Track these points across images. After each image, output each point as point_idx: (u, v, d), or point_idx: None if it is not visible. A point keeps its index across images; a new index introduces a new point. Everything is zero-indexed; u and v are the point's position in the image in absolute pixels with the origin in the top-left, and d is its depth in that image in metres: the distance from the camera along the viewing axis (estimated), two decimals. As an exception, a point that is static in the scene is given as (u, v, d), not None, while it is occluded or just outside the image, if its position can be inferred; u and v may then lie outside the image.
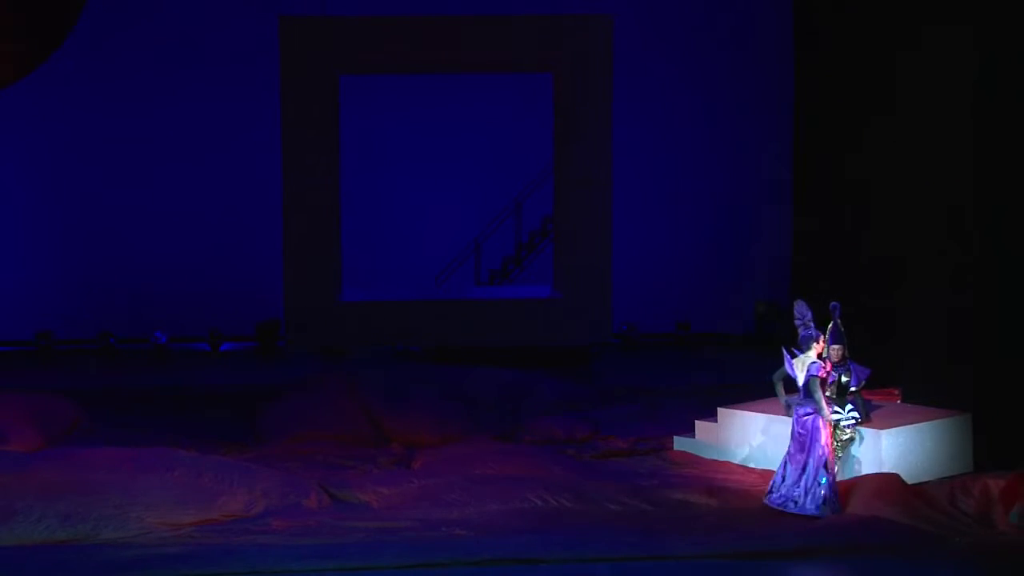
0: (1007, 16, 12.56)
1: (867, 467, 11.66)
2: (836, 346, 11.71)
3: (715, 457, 12.65)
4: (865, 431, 11.76)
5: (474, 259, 18.70)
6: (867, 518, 10.54)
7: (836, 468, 11.56)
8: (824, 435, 11.01)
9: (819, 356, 11.21)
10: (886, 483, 11.12)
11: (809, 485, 10.83)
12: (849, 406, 11.73)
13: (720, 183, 19.07)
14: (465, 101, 18.74)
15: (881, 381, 12.46)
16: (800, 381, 11.09)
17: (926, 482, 11.52)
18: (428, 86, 18.66)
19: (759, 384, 14.32)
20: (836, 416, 11.69)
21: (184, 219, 18.73)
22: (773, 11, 18.74)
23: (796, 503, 10.86)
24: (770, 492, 11.11)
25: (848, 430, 11.73)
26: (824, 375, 11.16)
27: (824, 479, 10.86)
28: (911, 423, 11.94)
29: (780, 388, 11.49)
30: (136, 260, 18.63)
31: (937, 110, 13.28)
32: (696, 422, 13.01)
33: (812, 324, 11.22)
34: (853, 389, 11.82)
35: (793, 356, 11.22)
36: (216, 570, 9.68)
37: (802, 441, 10.94)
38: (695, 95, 18.95)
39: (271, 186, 17.39)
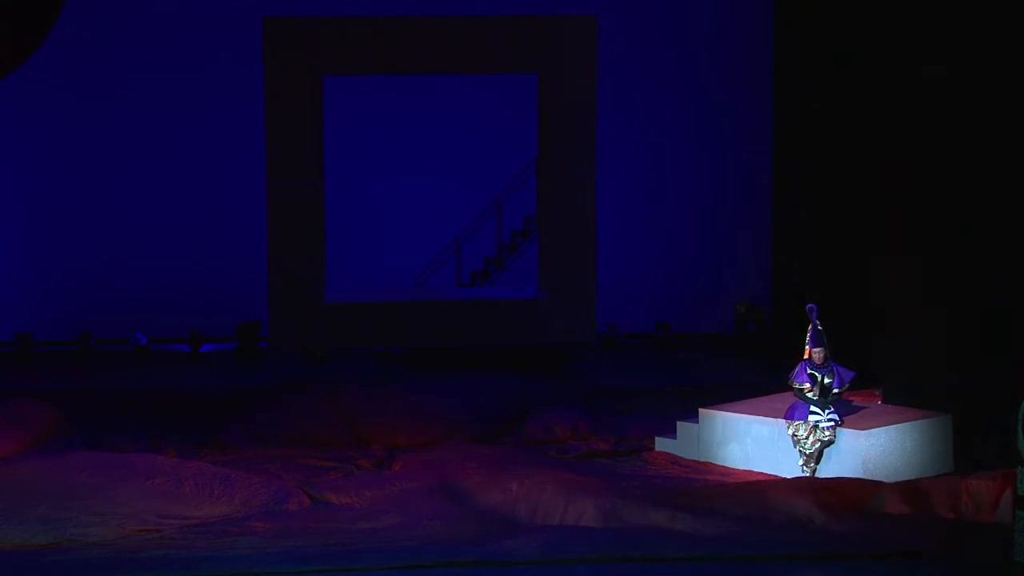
0: (981, 16, 12.63)
1: (848, 469, 11.69)
2: (818, 349, 11.76)
3: (696, 458, 12.66)
4: (846, 432, 11.79)
5: (455, 260, 18.71)
6: (852, 524, 10.55)
7: (815, 469, 11.68)
8: None
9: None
10: (867, 487, 11.15)
11: None
12: (830, 408, 11.78)
13: (701, 184, 19.13)
14: (446, 101, 18.75)
15: (861, 382, 12.50)
16: None
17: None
18: (410, 86, 18.66)
19: (740, 385, 14.39)
20: (815, 418, 11.74)
21: (165, 220, 18.69)
22: (753, 13, 18.80)
23: None
24: None
25: (828, 432, 11.77)
26: None
27: None
28: (891, 424, 11.98)
29: None
30: (116, 261, 18.58)
31: (913, 113, 13.34)
32: (677, 423, 13.02)
33: None
34: (836, 391, 11.85)
35: None
36: (198, 573, 9.65)
37: None
38: (677, 97, 19.01)
39: (253, 187, 17.36)
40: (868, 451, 11.70)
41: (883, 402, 12.97)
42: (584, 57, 16.83)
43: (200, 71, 18.48)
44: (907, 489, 11.04)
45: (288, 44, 16.64)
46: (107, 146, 18.57)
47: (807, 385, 11.79)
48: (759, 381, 14.24)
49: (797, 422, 11.81)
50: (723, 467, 12.40)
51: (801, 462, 11.85)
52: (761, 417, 12.33)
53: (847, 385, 11.94)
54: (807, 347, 11.80)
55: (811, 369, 11.79)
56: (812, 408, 11.76)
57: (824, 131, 16.80)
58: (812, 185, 17.28)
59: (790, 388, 11.97)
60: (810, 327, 11.80)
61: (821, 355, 11.75)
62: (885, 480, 11.56)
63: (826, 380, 11.76)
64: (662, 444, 13.02)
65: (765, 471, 12.15)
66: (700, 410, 12.79)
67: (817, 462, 11.81)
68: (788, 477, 11.90)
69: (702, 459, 12.60)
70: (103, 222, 18.62)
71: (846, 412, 12.06)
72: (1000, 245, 12.79)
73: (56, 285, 18.55)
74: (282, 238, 16.76)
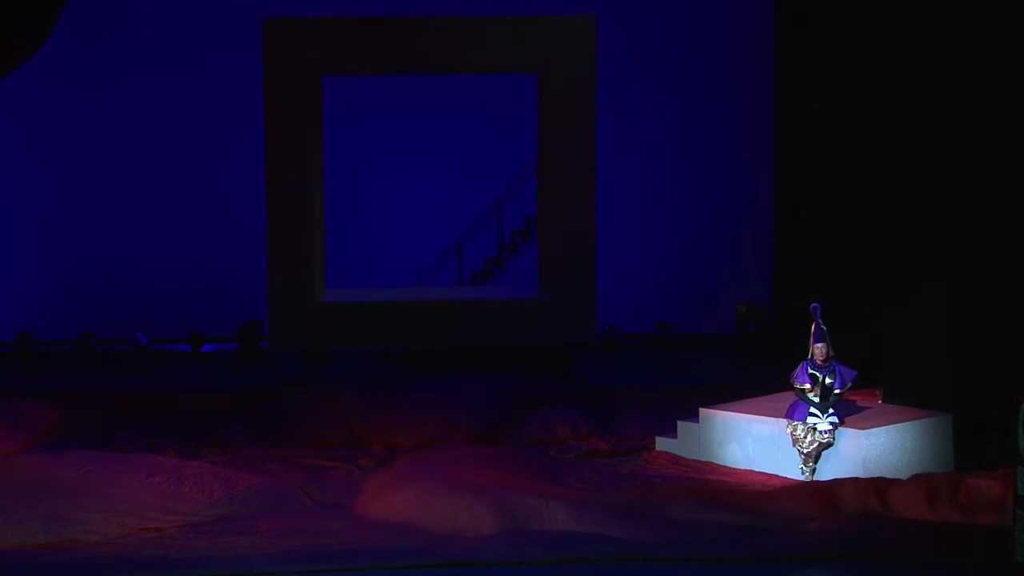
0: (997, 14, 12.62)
1: (848, 468, 11.69)
2: (820, 344, 11.73)
3: (697, 458, 12.67)
4: (846, 432, 11.79)
5: (456, 260, 18.72)
6: (851, 524, 10.55)
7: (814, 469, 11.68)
8: None
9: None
10: (870, 485, 11.15)
11: None
12: (829, 411, 11.75)
13: (701, 184, 19.13)
14: (447, 101, 18.76)
15: (862, 382, 12.49)
16: None
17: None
18: (410, 86, 18.68)
19: (740, 385, 14.39)
20: (813, 420, 11.73)
21: (166, 220, 18.71)
22: (753, 13, 18.80)
23: None
24: None
25: (826, 435, 11.75)
26: None
27: None
28: (892, 423, 11.98)
29: None
30: (118, 261, 18.60)
31: (914, 112, 13.33)
32: (678, 423, 13.02)
33: None
34: (837, 391, 11.82)
35: None
36: (198, 573, 9.65)
37: None
38: (677, 97, 19.01)
39: (254, 188, 17.37)
40: (868, 451, 11.70)
41: (883, 402, 12.97)
42: (584, 56, 16.82)
43: (200, 71, 18.50)
44: (908, 488, 11.04)
45: (288, 44, 16.64)
46: (107, 146, 18.58)
47: (808, 385, 11.78)
48: (760, 381, 14.24)
49: (796, 422, 11.81)
50: (724, 467, 12.40)
51: (800, 462, 11.85)
52: (762, 417, 12.33)
53: (849, 385, 11.91)
54: (811, 345, 11.79)
55: (812, 369, 11.77)
56: (812, 410, 11.75)
57: (824, 131, 16.79)
58: (812, 185, 17.27)
59: (791, 388, 11.97)
60: (813, 326, 11.79)
61: (823, 350, 11.72)
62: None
63: (827, 380, 11.75)
64: (663, 444, 13.02)
65: (766, 471, 12.15)
66: (701, 410, 12.79)
67: (816, 461, 11.81)
68: (787, 477, 11.92)
69: (703, 459, 12.60)
70: (104, 222, 18.64)
71: (846, 412, 12.05)
72: (1001, 245, 12.77)
73: (57, 285, 18.56)
74: (282, 238, 16.77)
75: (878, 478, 11.35)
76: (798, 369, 11.85)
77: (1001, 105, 12.55)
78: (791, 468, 11.94)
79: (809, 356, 11.81)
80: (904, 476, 11.67)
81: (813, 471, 11.81)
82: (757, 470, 12.21)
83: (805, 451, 11.79)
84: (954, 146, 12.83)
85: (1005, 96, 12.53)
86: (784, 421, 11.95)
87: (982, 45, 12.65)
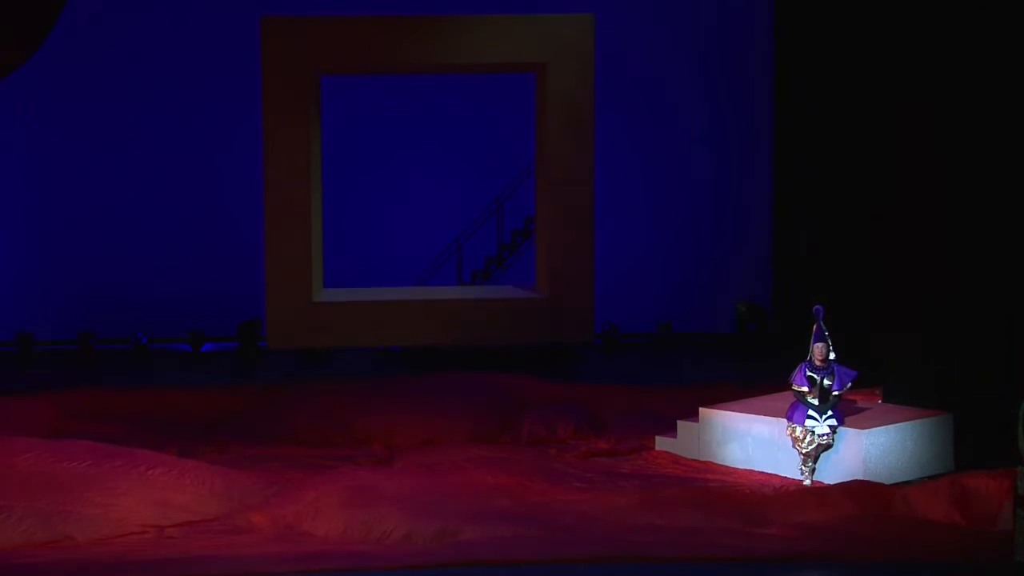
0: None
1: (847, 468, 11.69)
2: (819, 344, 11.71)
3: (696, 457, 12.66)
4: (846, 432, 11.78)
5: (456, 259, 18.72)
6: (852, 525, 10.56)
7: (813, 470, 11.67)
8: None
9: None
10: (870, 489, 11.15)
11: None
12: (828, 413, 11.73)
13: (702, 183, 19.11)
14: (446, 100, 18.75)
15: (861, 381, 12.50)
16: None
17: (907, 482, 11.56)
18: (409, 85, 18.67)
19: (740, 385, 14.39)
20: (812, 423, 11.72)
21: (166, 219, 18.70)
22: (753, 12, 18.79)
23: None
24: None
25: (824, 437, 11.74)
26: None
27: None
28: (892, 423, 11.97)
29: None
30: (117, 261, 18.58)
31: (914, 112, 13.36)
32: (678, 422, 13.02)
33: None
34: (836, 393, 11.80)
35: None
36: (198, 573, 9.64)
37: None
38: (676, 96, 18.99)
39: (252, 186, 17.37)
40: (868, 451, 11.69)
41: (883, 402, 12.97)
42: (582, 55, 16.83)
43: (199, 70, 18.49)
44: (908, 489, 11.04)
45: (286, 43, 16.64)
46: (106, 145, 18.57)
47: (805, 388, 11.76)
48: (760, 381, 14.23)
49: (795, 424, 11.81)
50: (723, 467, 12.40)
51: (799, 462, 11.85)
52: (761, 417, 12.33)
53: (848, 386, 11.88)
54: (811, 346, 11.77)
55: (810, 371, 11.75)
56: (810, 412, 11.74)
57: (824, 131, 16.82)
58: (812, 185, 17.29)
59: (791, 389, 11.96)
60: (815, 327, 11.78)
61: (823, 351, 11.70)
62: (885, 480, 11.57)
63: (826, 382, 11.73)
64: (663, 444, 13.02)
65: (765, 471, 12.15)
66: (700, 409, 12.78)
67: (815, 461, 11.80)
68: (787, 477, 11.93)
69: (702, 459, 12.60)
70: (103, 222, 18.63)
71: (846, 412, 12.04)
72: (1001, 244, 12.79)
73: (57, 285, 18.55)
74: (280, 238, 16.77)
75: (876, 481, 11.36)
76: (796, 371, 11.83)
77: (1001, 104, 12.57)
78: (790, 468, 11.94)
79: (808, 357, 11.79)
80: (904, 476, 11.68)
81: (812, 471, 11.81)
82: (757, 470, 12.21)
83: (804, 451, 11.78)
84: (955, 145, 12.85)
85: (1005, 95, 12.55)
86: (783, 421, 11.95)
87: (982, 45, 12.66)
